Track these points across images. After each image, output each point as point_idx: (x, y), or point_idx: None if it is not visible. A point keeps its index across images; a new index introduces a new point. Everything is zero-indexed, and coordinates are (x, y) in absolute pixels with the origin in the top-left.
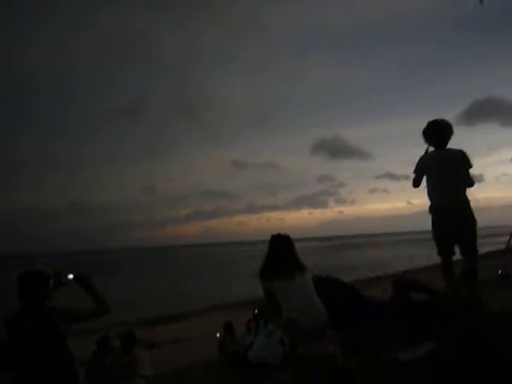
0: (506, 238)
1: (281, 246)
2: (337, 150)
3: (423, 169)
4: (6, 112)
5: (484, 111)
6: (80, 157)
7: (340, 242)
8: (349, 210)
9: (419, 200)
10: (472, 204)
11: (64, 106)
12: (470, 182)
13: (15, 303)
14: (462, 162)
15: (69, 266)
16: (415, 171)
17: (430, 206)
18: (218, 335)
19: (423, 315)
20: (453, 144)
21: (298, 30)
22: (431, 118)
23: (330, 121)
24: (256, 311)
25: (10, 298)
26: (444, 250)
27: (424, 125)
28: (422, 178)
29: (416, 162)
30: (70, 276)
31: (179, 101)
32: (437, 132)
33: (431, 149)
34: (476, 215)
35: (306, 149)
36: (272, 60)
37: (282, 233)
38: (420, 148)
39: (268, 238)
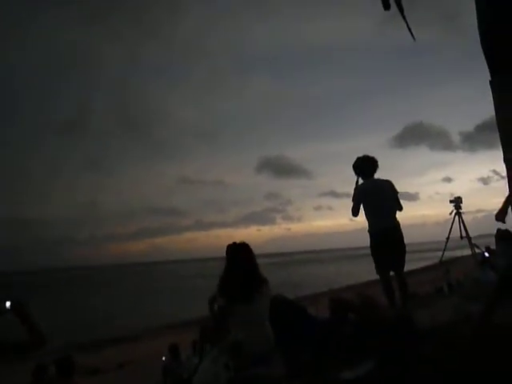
0: (440, 253)
1: (240, 256)
2: (281, 168)
3: (359, 198)
4: None
5: (415, 135)
6: (19, 170)
7: (288, 258)
8: (296, 227)
9: (361, 217)
10: (406, 222)
11: (4, 117)
12: (400, 207)
13: None
14: (391, 189)
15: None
16: (353, 200)
17: (368, 229)
18: (163, 358)
19: (360, 334)
20: (388, 164)
21: (242, 50)
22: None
23: (273, 140)
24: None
25: None
26: (380, 268)
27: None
28: (359, 207)
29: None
30: (7, 304)
31: (122, 116)
32: (365, 165)
33: (360, 180)
34: (412, 231)
35: (252, 167)
36: (217, 78)
37: (238, 241)
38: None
39: (218, 254)
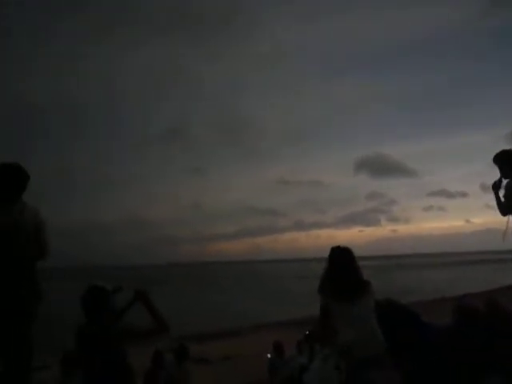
0: None
1: (343, 260)
2: (380, 167)
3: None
4: (61, 135)
5: None
6: (130, 176)
7: (394, 261)
8: (403, 229)
9: (480, 218)
10: None
11: (113, 131)
12: None
13: (79, 314)
14: None
15: (125, 279)
16: (505, 197)
17: None
18: (268, 355)
19: (490, 346)
20: None
21: (331, 52)
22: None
23: (370, 139)
24: (307, 332)
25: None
26: None
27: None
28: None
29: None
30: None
31: (220, 125)
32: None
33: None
34: None
35: (349, 166)
36: (307, 82)
37: (342, 245)
38: (472, 164)
39: (319, 255)
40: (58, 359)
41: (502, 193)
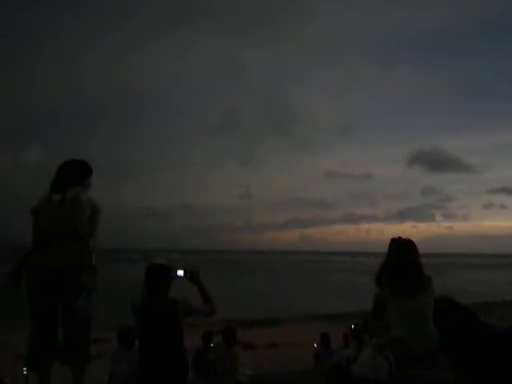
0: None
1: (405, 252)
2: (436, 161)
3: None
4: (121, 121)
5: None
6: (186, 164)
7: (449, 260)
8: (460, 226)
9: None
10: None
11: (170, 117)
12: None
13: (135, 291)
14: None
15: (178, 262)
16: None
17: None
18: (315, 345)
19: None
20: None
21: (379, 43)
22: None
23: (426, 131)
24: (353, 326)
25: (134, 286)
26: None
27: None
28: None
29: None
30: (180, 272)
31: (268, 115)
32: None
33: None
34: None
35: (402, 160)
36: (359, 72)
37: (404, 237)
38: None
39: (368, 249)
40: (113, 334)
41: None
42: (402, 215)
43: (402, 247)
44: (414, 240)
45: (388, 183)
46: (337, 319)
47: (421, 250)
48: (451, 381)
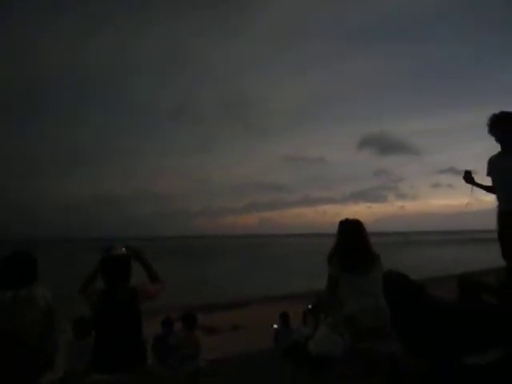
0: None
1: (353, 232)
2: (386, 144)
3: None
4: (72, 111)
5: None
6: (139, 150)
7: (401, 238)
8: (411, 205)
9: (489, 196)
10: None
11: (122, 107)
12: None
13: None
14: None
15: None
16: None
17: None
18: (274, 326)
19: (494, 319)
20: None
21: (330, 32)
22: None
23: (375, 116)
24: (310, 306)
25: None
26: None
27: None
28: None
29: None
30: (123, 249)
31: (226, 102)
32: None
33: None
34: None
35: (353, 144)
36: (310, 60)
37: (352, 217)
38: (485, 142)
39: (326, 231)
40: (70, 325)
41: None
42: (357, 196)
43: (350, 228)
44: (368, 220)
45: (341, 166)
46: (296, 299)
47: (375, 229)
48: (401, 353)
